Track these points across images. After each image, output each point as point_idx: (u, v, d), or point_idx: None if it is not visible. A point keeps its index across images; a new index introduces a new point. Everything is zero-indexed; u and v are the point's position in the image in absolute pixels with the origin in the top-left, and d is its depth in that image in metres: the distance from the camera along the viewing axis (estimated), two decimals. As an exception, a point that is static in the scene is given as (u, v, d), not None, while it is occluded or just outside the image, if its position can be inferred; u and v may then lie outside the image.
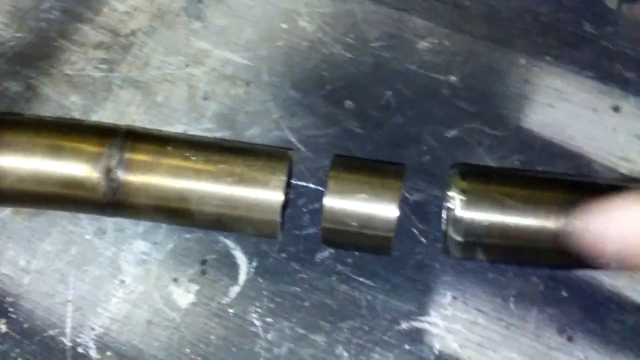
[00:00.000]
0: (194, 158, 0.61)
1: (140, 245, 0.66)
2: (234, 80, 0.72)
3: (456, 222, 0.57)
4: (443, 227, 0.62)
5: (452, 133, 0.69)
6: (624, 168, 0.66)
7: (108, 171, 0.60)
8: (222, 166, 0.60)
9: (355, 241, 0.61)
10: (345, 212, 0.60)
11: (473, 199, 0.57)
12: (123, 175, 0.60)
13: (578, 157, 0.67)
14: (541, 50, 0.71)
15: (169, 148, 0.61)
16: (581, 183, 0.60)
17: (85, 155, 0.60)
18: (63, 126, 0.62)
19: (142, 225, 0.67)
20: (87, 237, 0.67)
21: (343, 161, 0.62)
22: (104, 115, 0.71)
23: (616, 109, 0.68)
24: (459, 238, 0.57)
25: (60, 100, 0.72)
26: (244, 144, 0.65)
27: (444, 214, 0.61)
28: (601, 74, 0.70)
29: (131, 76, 0.73)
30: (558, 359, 0.62)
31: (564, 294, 0.64)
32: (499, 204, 0.57)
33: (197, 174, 0.60)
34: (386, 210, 0.59)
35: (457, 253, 0.59)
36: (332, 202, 0.60)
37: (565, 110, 0.69)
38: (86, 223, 0.67)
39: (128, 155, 0.61)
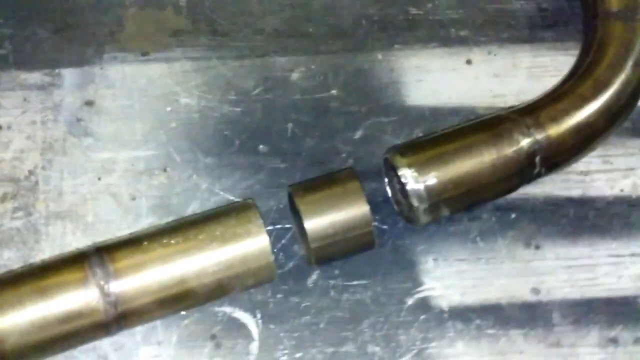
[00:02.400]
0: (173, 241, 0.62)
1: (147, 352, 0.66)
2: (150, 172, 0.74)
3: (416, 192, 0.64)
4: (397, 207, 0.68)
5: (358, 134, 0.76)
6: (500, 102, 0.77)
7: (101, 288, 0.59)
8: (201, 236, 0.62)
9: (344, 248, 0.65)
10: (327, 226, 0.64)
11: (420, 167, 0.64)
12: (117, 287, 0.60)
13: (463, 110, 0.78)
14: (388, 43, 0.81)
15: (145, 243, 0.62)
16: (489, 118, 0.69)
17: (72, 283, 0.60)
18: (35, 269, 0.60)
19: (138, 334, 0.67)
20: (91, 369, 0.65)
21: (300, 187, 0.67)
22: (44, 256, 0.69)
23: (469, 62, 0.79)
24: (424, 205, 0.64)
25: (-7, 262, 0.69)
26: (205, 212, 0.67)
27: (394, 196, 0.68)
28: (443, 41, 0.81)
29: (51, 210, 0.72)
30: (537, 267, 0.70)
31: (513, 216, 0.72)
32: (442, 161, 0.64)
33: (184, 252, 0.62)
34: (359, 209, 0.65)
35: (426, 218, 0.65)
36: (312, 222, 0.64)
37: (432, 79, 0.79)
38: (84, 358, 0.65)
39: (112, 267, 0.60)
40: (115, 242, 0.64)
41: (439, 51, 0.82)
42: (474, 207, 0.71)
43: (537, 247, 0.72)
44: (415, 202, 0.65)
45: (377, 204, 0.74)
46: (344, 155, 0.76)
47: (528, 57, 0.82)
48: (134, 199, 0.74)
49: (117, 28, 0.82)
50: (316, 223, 0.65)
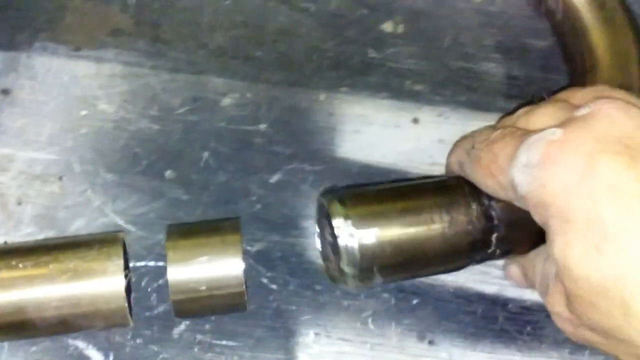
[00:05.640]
0: (21, 265, 0.57)
1: (-16, 372, 0.61)
2: (45, 178, 0.69)
3: (349, 251, 0.54)
4: (324, 263, 0.60)
5: (275, 178, 0.70)
6: (437, 171, 0.70)
7: None
8: (53, 265, 0.57)
9: (209, 305, 0.60)
10: (192, 279, 0.59)
11: (359, 221, 0.55)
12: (-53, 303, 0.55)
13: (394, 172, 0.71)
14: (336, 83, 0.74)
15: (-8, 262, 0.57)
16: (448, 179, 0.61)
17: None
18: None
19: (-19, 351, 0.62)
20: None
21: (177, 229, 0.61)
22: None
23: (415, 120, 0.72)
24: (355, 268, 0.55)
25: None
26: (72, 237, 0.62)
27: (323, 248, 0.60)
28: (394, 92, 0.74)
29: None
30: (426, 364, 0.63)
31: (415, 302, 0.66)
32: (385, 219, 0.55)
33: (29, 280, 0.57)
34: (232, 266, 0.59)
35: (354, 283, 0.56)
36: (176, 272, 0.59)
37: (371, 132, 0.72)
38: None
39: (-52, 281, 0.56)
40: (-38, 254, 0.60)
41: (386, 103, 0.75)
42: (409, 279, 0.63)
43: (431, 343, 0.66)
44: (345, 262, 0.54)
45: (273, 260, 0.68)
46: (253, 198, 0.71)
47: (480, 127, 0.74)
48: (20, 203, 0.69)
49: (57, 16, 0.78)
50: (181, 273, 0.60)
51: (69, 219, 0.68)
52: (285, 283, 0.66)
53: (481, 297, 0.67)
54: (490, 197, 0.57)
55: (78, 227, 0.68)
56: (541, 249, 0.58)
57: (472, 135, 0.57)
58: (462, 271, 0.66)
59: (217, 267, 0.60)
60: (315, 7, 0.78)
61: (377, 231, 0.55)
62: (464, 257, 0.58)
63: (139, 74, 0.75)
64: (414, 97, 0.75)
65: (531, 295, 0.67)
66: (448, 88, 0.75)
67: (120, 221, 0.68)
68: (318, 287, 0.67)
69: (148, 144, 0.72)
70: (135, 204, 0.69)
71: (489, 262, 0.66)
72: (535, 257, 0.57)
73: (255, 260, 0.67)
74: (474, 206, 0.57)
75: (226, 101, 0.75)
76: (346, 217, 0.55)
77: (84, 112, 0.73)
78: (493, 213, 0.57)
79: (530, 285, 0.58)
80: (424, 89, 0.76)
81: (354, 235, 0.54)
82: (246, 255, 0.66)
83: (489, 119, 0.74)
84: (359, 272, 0.55)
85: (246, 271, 0.61)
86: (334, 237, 0.55)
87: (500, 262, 0.68)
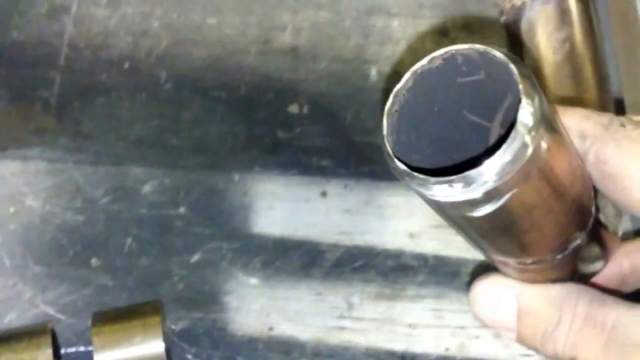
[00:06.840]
0: (-46, 363, 0.61)
1: None
2: (-24, 276, 0.73)
3: (508, 153, 0.33)
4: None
5: (195, 258, 0.75)
6: (345, 240, 0.77)
7: None
8: (-15, 361, 0.62)
9: (135, 385, 0.64)
10: (117, 362, 0.63)
11: (546, 124, 0.35)
12: None
13: (306, 244, 0.77)
14: (248, 164, 0.81)
15: None
16: None
17: None
18: None
19: None
20: None
21: (101, 316, 0.66)
22: None
23: (324, 194, 0.79)
24: (492, 178, 0.33)
25: None
26: (3, 331, 0.67)
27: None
28: (303, 168, 0.81)
29: None
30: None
31: (331, 363, 0.71)
32: (559, 141, 0.37)
33: (-38, 377, 0.61)
34: (153, 347, 0.64)
35: (473, 195, 0.34)
36: (102, 357, 0.63)
37: (284, 208, 0.78)
38: None
39: None
40: None
41: (296, 179, 0.82)
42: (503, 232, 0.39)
43: (347, 401, 0.71)
44: (495, 161, 0.33)
45: (197, 336, 0.73)
46: (175, 279, 0.76)
47: (382, 196, 0.81)
48: (-47, 302, 0.73)
49: (-18, 119, 0.83)
50: (106, 358, 0.64)
51: (1, 313, 0.73)
52: (208, 357, 0.72)
53: (391, 355, 0.73)
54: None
55: (10, 319, 0.72)
56: (578, 288, 0.44)
57: (601, 113, 0.42)
58: (372, 330, 0.73)
59: (140, 349, 0.65)
60: (226, 95, 0.85)
61: (553, 145, 0.36)
62: (567, 231, 0.40)
63: (62, 169, 0.81)
64: (321, 172, 0.82)
65: (436, 350, 0.73)
66: (352, 161, 0.82)
67: (50, 311, 0.73)
68: (239, 359, 0.72)
69: (74, 234, 0.77)
70: (64, 293, 0.74)
71: (397, 320, 0.73)
72: (569, 295, 0.43)
73: (179, 338, 0.72)
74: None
75: (146, 188, 0.80)
76: (538, 109, 0.34)
77: (12, 209, 0.78)
78: (593, 210, 0.42)
79: (524, 328, 0.43)
80: (329, 164, 0.82)
81: (534, 138, 0.34)
82: (170, 333, 0.71)
83: (391, 187, 0.81)
84: (496, 185, 0.34)
85: (169, 349, 0.66)
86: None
87: (407, 319, 0.74)
